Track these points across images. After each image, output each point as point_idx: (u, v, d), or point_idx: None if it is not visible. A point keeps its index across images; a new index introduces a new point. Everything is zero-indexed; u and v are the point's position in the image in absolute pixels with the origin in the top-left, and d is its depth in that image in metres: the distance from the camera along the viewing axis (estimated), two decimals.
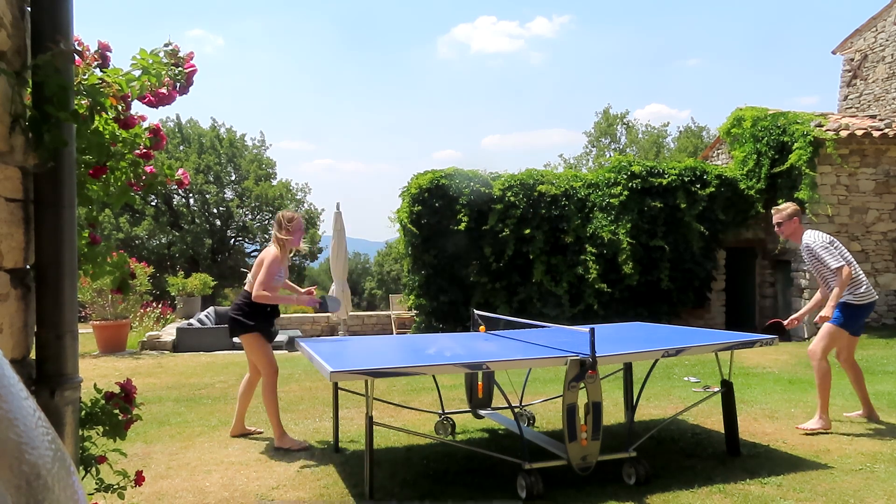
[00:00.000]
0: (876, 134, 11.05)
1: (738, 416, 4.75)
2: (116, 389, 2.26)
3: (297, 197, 31.46)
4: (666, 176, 12.12)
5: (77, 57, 1.90)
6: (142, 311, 12.93)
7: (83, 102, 1.90)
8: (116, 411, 2.19)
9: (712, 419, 5.39)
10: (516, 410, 4.83)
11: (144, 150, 2.12)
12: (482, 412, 5.20)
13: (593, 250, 11.92)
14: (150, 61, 1.99)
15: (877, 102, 13.77)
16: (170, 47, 2.05)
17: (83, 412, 2.10)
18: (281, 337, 12.52)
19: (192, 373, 8.51)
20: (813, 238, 5.30)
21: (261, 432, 5.37)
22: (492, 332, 5.43)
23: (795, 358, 8.75)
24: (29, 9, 1.81)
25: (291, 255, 5.38)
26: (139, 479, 2.36)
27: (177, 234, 27.80)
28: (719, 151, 14.65)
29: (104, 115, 1.98)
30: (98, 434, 2.20)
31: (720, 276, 12.70)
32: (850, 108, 14.37)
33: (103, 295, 10.71)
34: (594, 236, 12.00)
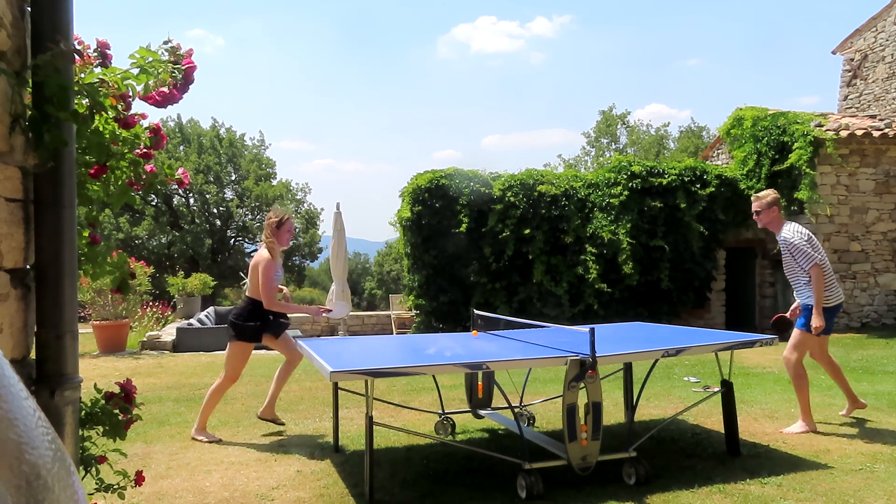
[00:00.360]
0: (876, 134, 11.05)
1: (738, 416, 4.75)
2: (116, 389, 2.25)
3: (297, 197, 31.47)
4: (666, 176, 12.13)
5: (77, 56, 1.90)
6: (141, 311, 12.93)
7: (83, 102, 1.90)
8: (116, 411, 2.19)
9: (712, 419, 5.39)
10: (516, 410, 4.83)
11: (145, 150, 2.12)
12: (482, 412, 5.20)
13: (593, 250, 11.92)
14: (150, 59, 1.99)
15: (877, 102, 13.78)
16: (169, 45, 2.05)
17: (83, 412, 2.09)
18: None
19: (192, 373, 8.51)
20: (792, 232, 5.23)
21: (283, 424, 5.47)
22: (492, 332, 5.43)
23: None
24: (29, 9, 1.81)
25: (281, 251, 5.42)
26: (139, 479, 2.36)
27: (177, 234, 27.80)
28: (719, 151, 14.65)
29: (104, 114, 1.98)
30: (98, 434, 2.20)
31: (720, 276, 12.70)
32: (850, 108, 14.37)
33: (103, 295, 10.71)
34: (594, 236, 12.00)
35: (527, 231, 11.93)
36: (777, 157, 11.52)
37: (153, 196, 27.29)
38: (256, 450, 4.89)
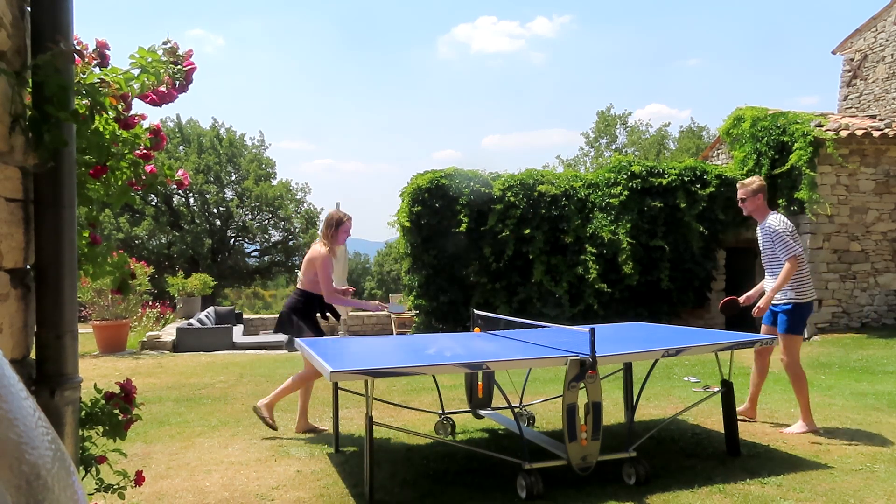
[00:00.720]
0: (876, 134, 11.04)
1: (738, 416, 4.75)
2: (116, 389, 2.25)
3: (297, 197, 31.44)
4: (666, 176, 12.13)
5: (77, 56, 1.90)
6: (141, 311, 12.93)
7: (83, 102, 1.90)
8: (116, 411, 2.19)
9: (712, 419, 5.39)
10: (516, 410, 4.83)
11: (145, 151, 2.12)
12: (482, 412, 5.20)
13: (593, 250, 11.92)
14: (149, 59, 1.99)
15: (877, 102, 13.78)
16: (168, 45, 2.05)
17: (83, 412, 2.09)
18: (281, 337, 12.53)
19: (192, 373, 8.51)
20: (778, 221, 5.27)
21: (325, 430, 5.36)
22: (492, 332, 5.42)
23: None
24: (29, 9, 1.81)
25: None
26: (139, 479, 2.36)
27: (177, 234, 27.80)
28: (719, 151, 14.65)
29: (104, 114, 1.98)
30: (98, 434, 2.20)
31: (720, 276, 12.70)
32: (850, 108, 14.37)
33: (103, 295, 10.71)
34: (594, 236, 12.00)
35: (527, 231, 11.93)
36: (777, 157, 11.52)
37: (153, 196, 27.29)
38: (256, 450, 4.89)
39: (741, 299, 5.62)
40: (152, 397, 6.76)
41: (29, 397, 0.56)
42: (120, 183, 2.09)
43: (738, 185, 5.54)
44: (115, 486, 2.24)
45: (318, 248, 5.45)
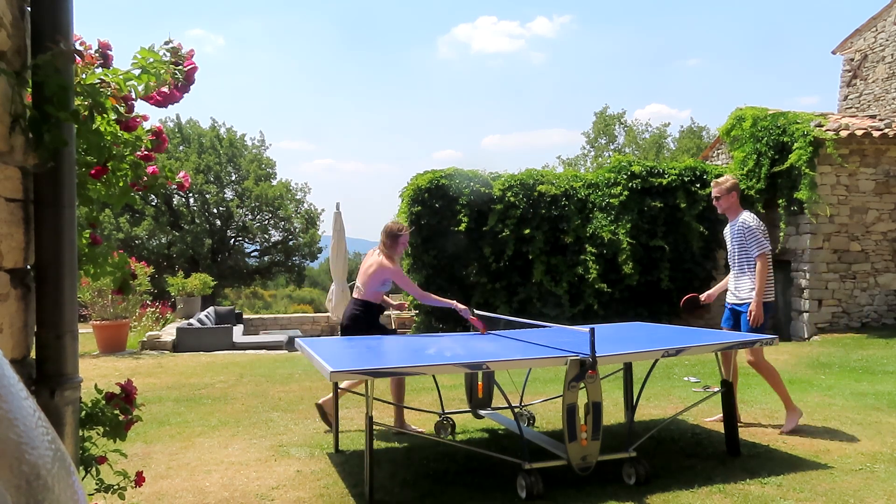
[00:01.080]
0: (876, 134, 11.04)
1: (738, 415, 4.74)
2: (117, 390, 2.25)
3: (297, 197, 31.42)
4: (666, 176, 12.13)
5: (77, 57, 1.90)
6: (141, 311, 12.93)
7: (84, 102, 1.90)
8: (117, 412, 2.19)
9: (712, 419, 5.39)
10: (516, 410, 4.83)
11: (146, 152, 2.12)
12: (482, 412, 5.20)
13: (593, 250, 11.92)
14: (151, 60, 1.99)
15: (877, 102, 13.78)
16: (170, 45, 2.05)
17: (83, 412, 2.10)
18: (281, 336, 12.53)
19: (192, 373, 8.51)
20: (752, 218, 5.34)
21: (421, 432, 5.26)
22: (492, 332, 5.43)
23: (795, 358, 8.75)
24: (29, 9, 1.81)
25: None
26: (139, 479, 2.36)
27: (177, 234, 27.79)
28: (719, 151, 14.65)
29: (105, 116, 1.98)
30: (98, 434, 2.20)
31: (720, 276, 12.69)
32: (850, 108, 14.37)
33: (103, 295, 10.71)
34: (594, 236, 12.00)
35: (527, 231, 11.93)
36: (777, 157, 11.52)
37: (153, 196, 27.25)
38: (256, 450, 4.89)
39: (702, 297, 5.68)
40: (152, 397, 6.76)
41: (29, 397, 0.56)
42: (121, 184, 2.09)
43: (712, 184, 5.61)
44: (116, 487, 2.24)
45: (382, 261, 5.37)
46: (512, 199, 12.01)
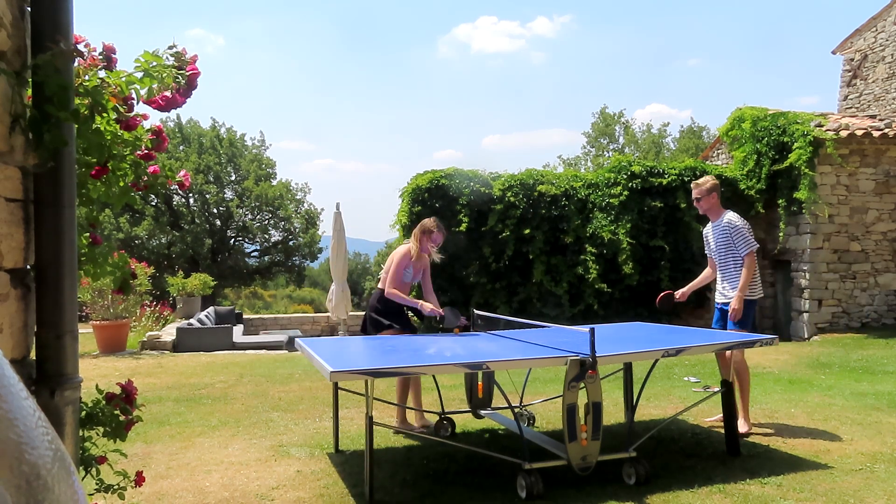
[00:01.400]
0: (876, 134, 11.04)
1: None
2: (117, 390, 2.25)
3: (297, 197, 31.42)
4: (666, 176, 12.13)
5: (80, 58, 1.90)
6: (141, 311, 12.93)
7: (84, 102, 1.90)
8: (117, 412, 2.19)
9: (712, 419, 5.39)
10: (516, 410, 4.83)
11: (146, 151, 2.12)
12: (482, 412, 5.20)
13: (593, 250, 11.92)
14: (154, 63, 1.99)
15: (877, 102, 13.77)
16: (174, 50, 2.05)
17: (83, 412, 2.09)
18: (281, 336, 12.53)
19: (192, 373, 8.51)
20: (737, 217, 5.35)
21: (423, 431, 5.24)
22: (492, 332, 5.42)
23: (795, 358, 8.75)
24: (29, 9, 1.81)
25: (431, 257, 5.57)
26: (139, 479, 2.36)
27: (177, 234, 27.79)
28: (719, 151, 14.65)
29: (106, 115, 1.98)
30: (98, 434, 2.20)
31: None
32: (850, 108, 14.37)
33: (103, 295, 10.71)
34: (594, 236, 12.00)
35: (527, 231, 11.93)
36: (777, 157, 11.52)
37: (153, 196, 27.25)
38: (256, 450, 4.89)
39: (677, 294, 5.68)
40: (152, 397, 6.76)
41: (29, 397, 0.56)
42: (121, 183, 2.09)
43: (692, 185, 5.62)
44: (116, 487, 2.24)
45: (402, 246, 5.50)
46: (512, 199, 12.01)
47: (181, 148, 29.54)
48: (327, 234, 16.43)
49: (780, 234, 11.61)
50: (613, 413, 5.57)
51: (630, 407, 5.01)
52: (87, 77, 1.93)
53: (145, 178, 2.12)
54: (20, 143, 1.74)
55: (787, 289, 11.93)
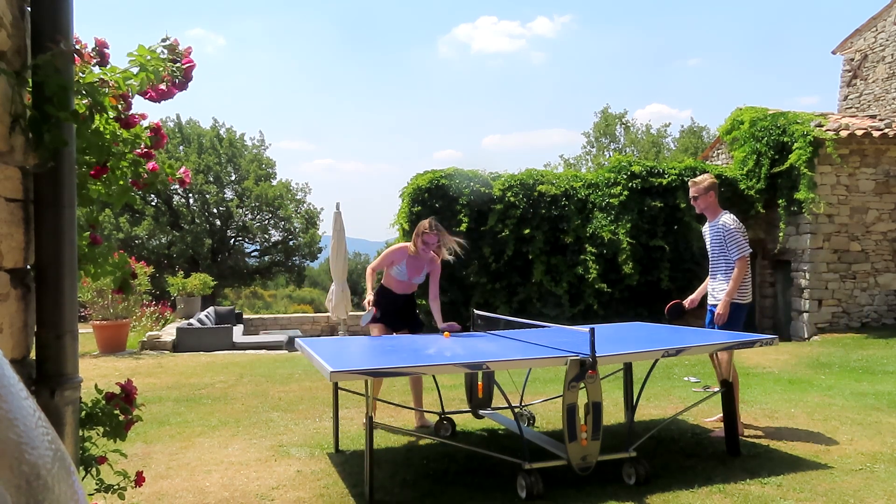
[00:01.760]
0: (876, 134, 11.04)
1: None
2: (117, 390, 2.25)
3: (297, 197, 31.42)
4: (666, 176, 12.13)
5: (76, 56, 1.90)
6: (141, 311, 12.92)
7: (83, 102, 1.90)
8: (117, 412, 2.19)
9: (712, 419, 5.39)
10: (516, 410, 4.83)
11: (145, 150, 2.12)
12: (482, 412, 5.20)
13: (593, 250, 11.92)
14: (148, 57, 1.99)
15: (877, 102, 13.77)
16: (168, 42, 2.05)
17: (83, 412, 2.09)
18: (281, 336, 12.52)
19: (192, 373, 8.51)
20: (732, 219, 5.27)
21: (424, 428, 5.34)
22: (492, 332, 5.43)
23: (795, 358, 8.75)
24: (29, 9, 1.81)
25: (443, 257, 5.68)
26: (139, 479, 2.36)
27: (177, 234, 27.79)
28: (719, 151, 14.65)
29: (105, 114, 1.98)
30: (98, 434, 2.20)
31: None
32: (850, 108, 14.37)
33: (103, 295, 10.71)
34: (594, 236, 11.99)
35: (527, 231, 11.93)
36: (777, 157, 11.52)
37: (153, 196, 27.27)
38: (256, 450, 4.89)
39: (686, 303, 5.62)
40: (152, 397, 6.76)
41: (29, 397, 0.56)
42: (121, 182, 2.09)
43: (689, 183, 5.55)
44: (116, 487, 2.24)
45: (404, 243, 5.57)
46: (512, 199, 12.01)
47: (181, 148, 29.54)
48: (327, 234, 16.44)
49: (780, 234, 11.61)
50: (613, 413, 5.57)
51: (630, 407, 5.01)
52: (83, 73, 1.93)
53: (145, 176, 2.12)
54: (20, 143, 1.74)
55: (787, 289, 11.92)
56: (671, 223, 12.06)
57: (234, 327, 12.40)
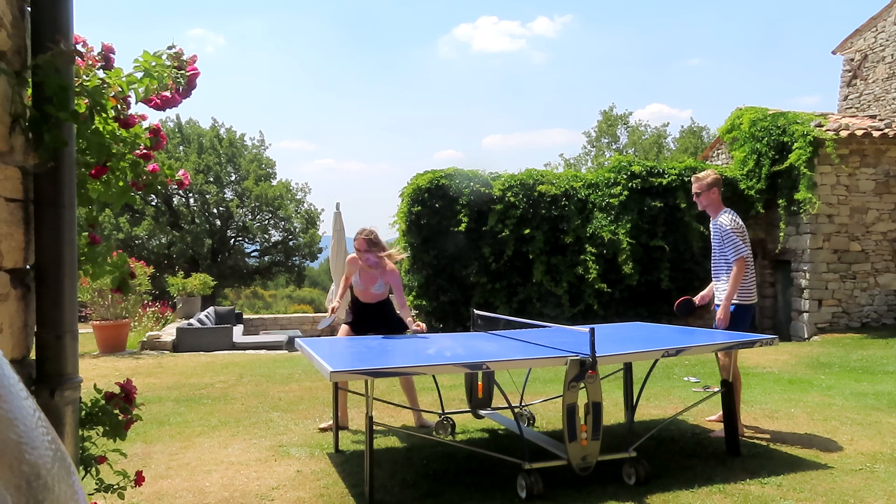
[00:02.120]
0: (876, 134, 11.04)
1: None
2: (117, 390, 2.25)
3: (297, 197, 31.42)
4: (666, 176, 12.13)
5: (78, 58, 1.90)
6: (141, 311, 12.93)
7: (83, 102, 1.90)
8: (116, 411, 2.19)
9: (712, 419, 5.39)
10: (516, 410, 4.83)
11: (145, 151, 2.12)
12: (482, 412, 5.20)
13: (593, 250, 11.92)
14: (153, 63, 1.99)
15: (877, 102, 13.77)
16: (173, 50, 2.05)
17: (83, 412, 2.09)
18: (280, 336, 12.53)
19: (192, 373, 8.51)
20: (729, 220, 5.14)
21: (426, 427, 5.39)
22: (492, 332, 5.43)
23: (795, 358, 8.75)
24: (29, 9, 1.81)
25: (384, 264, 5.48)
26: (139, 479, 2.36)
27: (177, 234, 27.79)
28: (719, 151, 14.65)
29: (104, 114, 1.98)
30: (98, 434, 2.20)
31: None
32: (850, 108, 14.37)
33: (103, 295, 10.71)
34: (594, 236, 12.00)
35: (527, 231, 11.93)
36: (777, 157, 11.52)
37: (153, 196, 27.26)
38: (256, 450, 4.89)
39: (696, 299, 5.51)
40: (152, 397, 6.76)
41: (29, 397, 0.56)
42: (121, 183, 2.09)
43: (692, 179, 5.42)
44: (115, 487, 2.24)
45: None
46: (512, 199, 12.01)
47: (181, 148, 29.55)
48: (327, 234, 16.43)
49: (780, 234, 11.61)
50: (613, 413, 5.57)
51: (630, 407, 5.00)
52: (86, 77, 1.93)
53: (144, 177, 2.12)
54: (20, 143, 1.74)
55: (787, 289, 11.92)
56: (671, 223, 12.07)
57: (234, 327, 12.41)
